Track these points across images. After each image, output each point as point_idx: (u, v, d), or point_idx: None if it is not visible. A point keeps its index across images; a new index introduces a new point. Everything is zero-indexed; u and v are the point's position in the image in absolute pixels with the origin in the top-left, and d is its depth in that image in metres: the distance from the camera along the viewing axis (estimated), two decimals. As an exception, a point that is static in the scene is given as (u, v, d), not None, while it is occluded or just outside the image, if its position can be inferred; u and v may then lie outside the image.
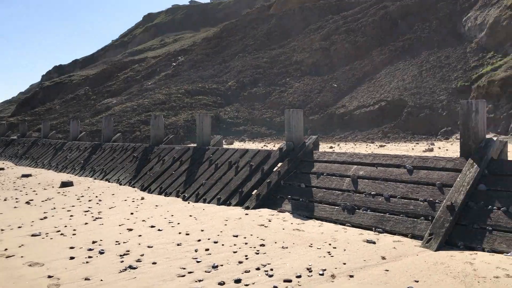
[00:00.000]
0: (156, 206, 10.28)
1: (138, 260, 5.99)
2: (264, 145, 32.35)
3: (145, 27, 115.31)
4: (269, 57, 55.34)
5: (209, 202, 10.40)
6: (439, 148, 25.29)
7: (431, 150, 23.70)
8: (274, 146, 29.58)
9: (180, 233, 7.49)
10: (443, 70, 37.72)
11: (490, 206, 6.45)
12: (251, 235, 7.18)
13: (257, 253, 6.19)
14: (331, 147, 28.14)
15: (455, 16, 43.01)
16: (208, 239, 7.04)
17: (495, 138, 7.59)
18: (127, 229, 7.89)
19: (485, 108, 7.73)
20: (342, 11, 58.59)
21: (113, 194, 12.29)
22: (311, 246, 6.47)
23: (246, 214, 8.82)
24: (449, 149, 24.27)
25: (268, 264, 5.73)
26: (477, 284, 4.79)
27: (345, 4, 60.56)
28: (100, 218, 9.00)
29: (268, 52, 57.05)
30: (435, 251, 6.08)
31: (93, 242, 6.99)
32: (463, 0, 43.56)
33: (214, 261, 5.86)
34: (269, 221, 8.12)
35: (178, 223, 8.25)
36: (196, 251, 6.40)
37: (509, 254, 5.67)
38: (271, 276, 5.28)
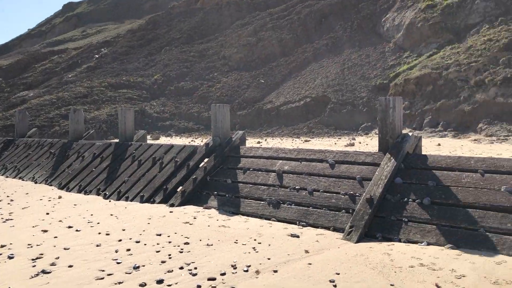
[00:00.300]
0: (75, 205, 9.73)
1: (53, 264, 5.61)
2: (192, 140, 31.97)
3: (65, 16, 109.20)
4: (196, 51, 54.73)
5: (131, 200, 10.03)
6: (360, 142, 26.45)
7: (353, 144, 24.70)
8: (202, 141, 29.30)
9: (100, 233, 7.13)
10: (364, 68, 39.44)
11: (406, 199, 6.77)
12: (175, 233, 7.00)
13: (181, 252, 6.03)
14: (258, 142, 28.42)
15: (375, 17, 45.10)
16: (130, 238, 6.76)
17: (410, 134, 7.99)
18: (42, 230, 7.37)
19: (402, 105, 8.11)
20: (269, 8, 59.27)
21: (27, 193, 11.48)
22: (237, 243, 6.43)
23: (171, 211, 8.59)
24: (369, 143, 25.44)
25: (192, 262, 5.60)
26: (394, 274, 4.99)
27: (271, 1, 61.28)
28: (11, 219, 8.36)
29: (196, 46, 56.39)
30: (355, 243, 6.27)
31: (1, 246, 6.45)
32: (382, 1, 45.73)
33: (135, 262, 5.62)
34: (194, 218, 7.97)
35: (98, 223, 7.86)
36: (116, 251, 6.11)
37: (422, 244, 5.99)
38: (195, 275, 5.16)
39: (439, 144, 23.06)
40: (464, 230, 5.94)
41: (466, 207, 6.22)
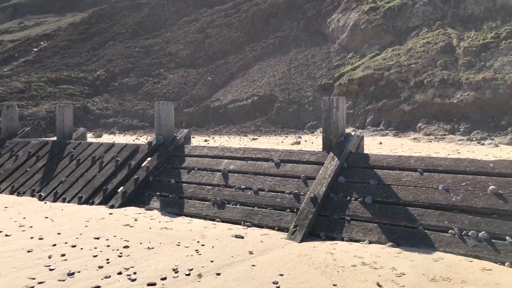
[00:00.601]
0: (6, 207, 9.10)
1: (-24, 274, 5.17)
2: (136, 138, 31.15)
3: (0, 7, 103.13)
4: (141, 46, 53.40)
5: (69, 202, 9.53)
6: (306, 141, 26.82)
7: (299, 143, 25.01)
8: (146, 139, 28.58)
9: (32, 237, 6.68)
10: (310, 68, 40.06)
11: (348, 197, 6.85)
12: (115, 236, 6.69)
13: (120, 256, 5.75)
14: (205, 140, 28.14)
15: (321, 18, 45.91)
16: (65, 243, 6.38)
17: (353, 133, 8.10)
18: (-34, 236, 6.82)
19: (345, 105, 8.20)
20: (216, 5, 58.86)
21: (-48, 196, 10.65)
22: (179, 245, 6.23)
23: (110, 213, 8.23)
24: (314, 142, 25.84)
25: (132, 267, 5.35)
26: (336, 273, 4.99)
27: (219, -2, 60.92)
28: None
29: (141, 41, 55.02)
30: (299, 242, 6.26)
31: None
32: (327, 2, 46.62)
33: (70, 268, 5.29)
34: (135, 220, 7.67)
35: (31, 227, 7.37)
36: (50, 257, 5.74)
37: (365, 242, 6.06)
38: (134, 280, 4.93)
39: (380, 143, 23.80)
40: (404, 228, 6.08)
41: (406, 206, 6.37)
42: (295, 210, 7.03)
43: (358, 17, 39.88)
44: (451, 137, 25.07)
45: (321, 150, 8.16)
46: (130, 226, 7.25)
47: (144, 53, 51.84)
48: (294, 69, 40.42)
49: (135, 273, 5.16)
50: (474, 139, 24.11)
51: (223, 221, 7.51)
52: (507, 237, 5.39)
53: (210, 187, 8.41)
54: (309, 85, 37.60)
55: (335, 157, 7.50)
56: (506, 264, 5.11)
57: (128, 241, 6.44)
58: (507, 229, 5.48)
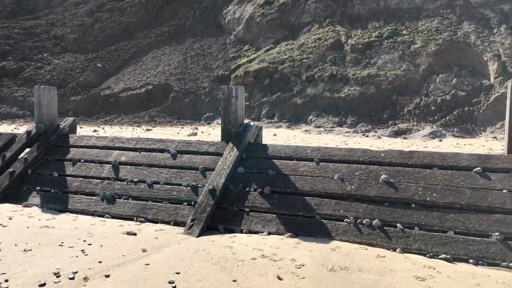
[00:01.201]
0: None
1: None
2: (16, 128, 28.32)
3: None
4: (22, 28, 48.56)
5: None
6: (203, 132, 26.51)
7: (195, 134, 24.61)
8: (28, 129, 26.07)
9: None
10: (206, 58, 39.66)
11: (247, 188, 6.69)
12: (-17, 238, 5.80)
13: (-11, 262, 4.97)
14: (95, 131, 26.48)
15: (217, 8, 45.61)
16: None
17: (251, 123, 7.97)
18: None
19: (244, 95, 8.03)
20: (108, -12, 55.58)
21: None
22: (62, 245, 5.57)
23: (-21, 212, 7.18)
24: (211, 133, 25.64)
25: (3, 273, 4.65)
26: (236, 268, 4.79)
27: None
28: None
29: (21, 22, 50.03)
30: (197, 237, 5.96)
31: None
32: (224, -6, 46.46)
33: None
34: (10, 218, 6.75)
35: None
36: None
37: (264, 233, 5.95)
38: (5, 290, 4.25)
39: (275, 134, 24.35)
40: (302, 218, 6.07)
41: (303, 195, 6.38)
42: (192, 203, 6.70)
43: (253, 10, 40.33)
44: (339, 129, 26.49)
45: (219, 140, 7.91)
46: (3, 226, 6.36)
47: (25, 35, 47.23)
48: (190, 59, 39.71)
49: (6, 280, 4.48)
50: (359, 131, 25.73)
51: (113, 217, 6.92)
52: (398, 224, 5.62)
53: (98, 180, 7.73)
54: (205, 76, 37.22)
55: (234, 147, 7.30)
56: (397, 250, 5.31)
57: (0, 243, 5.61)
58: (398, 217, 5.72)
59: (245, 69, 34.52)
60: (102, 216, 6.97)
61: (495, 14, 30.00)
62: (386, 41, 30.90)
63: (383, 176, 6.25)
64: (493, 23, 29.42)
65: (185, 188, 7.04)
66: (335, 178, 6.47)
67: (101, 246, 5.57)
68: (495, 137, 22.79)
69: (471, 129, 24.24)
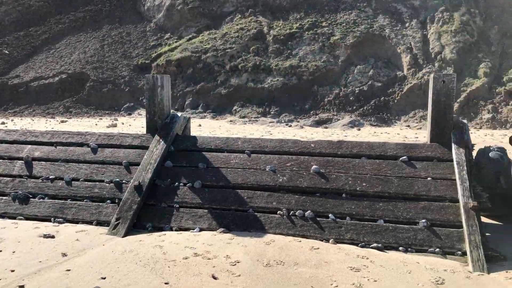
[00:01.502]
0: None
1: None
2: None
3: None
4: None
5: None
6: (123, 123, 25.41)
7: (115, 125, 23.53)
8: None
9: None
10: (125, 46, 38.03)
11: (177, 183, 6.38)
12: None
13: None
14: (3, 123, 24.42)
15: (136, -6, 43.82)
16: None
17: (179, 114, 7.63)
18: None
19: (170, 84, 7.65)
20: (14, -32, 51.26)
21: None
22: (-34, 254, 4.93)
23: None
24: (132, 124, 24.67)
25: None
26: (167, 269, 4.50)
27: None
28: None
29: None
30: (123, 237, 5.57)
31: None
32: (143, -21, 44.68)
33: None
34: None
35: None
36: None
37: (195, 230, 5.70)
38: None
39: (200, 125, 23.96)
40: (235, 212, 5.90)
41: (236, 188, 6.21)
42: (116, 201, 6.25)
43: (174, -3, 39.23)
44: (263, 119, 26.68)
45: (145, 133, 7.49)
46: None
47: None
48: (107, 47, 37.82)
49: None
50: (283, 121, 26.10)
51: (27, 219, 6.29)
52: (330, 215, 5.63)
53: (8, 178, 6.99)
54: (124, 65, 35.67)
55: (161, 140, 6.93)
56: (330, 241, 5.32)
57: None
58: (330, 207, 5.74)
59: (167, 58, 33.57)
60: (14, 218, 6.30)
61: (406, 8, 31.73)
62: (306, 32, 31.51)
63: (314, 166, 6.25)
64: (405, 17, 31.12)
65: (108, 184, 6.57)
66: (267, 169, 6.36)
67: (13, 252, 5.01)
68: (408, 126, 24.21)
69: (387, 118, 25.55)
